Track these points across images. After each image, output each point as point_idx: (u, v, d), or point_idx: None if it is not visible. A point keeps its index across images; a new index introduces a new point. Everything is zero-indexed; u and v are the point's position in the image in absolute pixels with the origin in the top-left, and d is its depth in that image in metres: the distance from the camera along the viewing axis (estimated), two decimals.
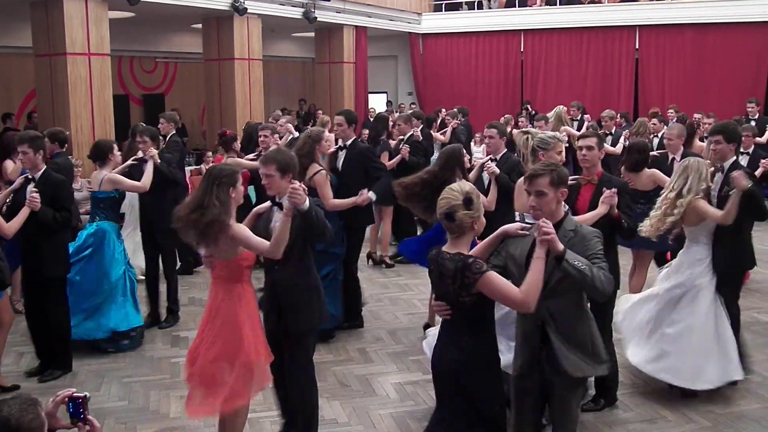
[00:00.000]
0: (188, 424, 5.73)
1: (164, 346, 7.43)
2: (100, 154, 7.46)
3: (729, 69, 18.90)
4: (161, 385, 6.47)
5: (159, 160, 7.73)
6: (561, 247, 3.74)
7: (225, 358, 4.65)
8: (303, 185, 4.69)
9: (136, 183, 7.52)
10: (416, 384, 6.41)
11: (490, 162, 7.17)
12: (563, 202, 4.16)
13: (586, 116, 13.69)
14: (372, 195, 7.60)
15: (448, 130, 13.71)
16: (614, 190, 5.37)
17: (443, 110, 15.03)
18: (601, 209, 5.33)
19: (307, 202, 4.70)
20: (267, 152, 5.25)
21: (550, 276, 3.87)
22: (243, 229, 4.69)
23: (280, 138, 9.21)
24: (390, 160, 10.10)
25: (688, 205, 5.86)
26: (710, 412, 5.76)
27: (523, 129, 5.87)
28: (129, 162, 7.96)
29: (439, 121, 14.75)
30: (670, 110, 14.43)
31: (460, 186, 3.86)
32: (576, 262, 3.77)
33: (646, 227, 6.06)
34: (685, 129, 9.01)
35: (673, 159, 8.27)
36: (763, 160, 8.09)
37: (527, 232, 4.03)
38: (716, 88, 18.89)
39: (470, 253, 3.83)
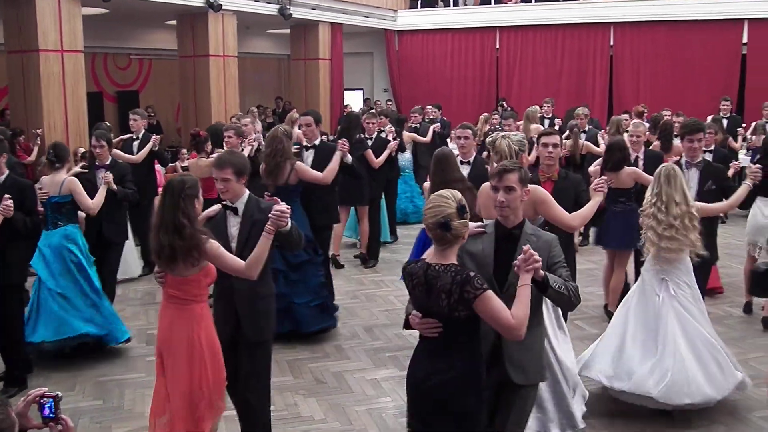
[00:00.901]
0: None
1: (138, 345, 7.39)
2: (60, 156, 7.30)
3: (702, 66, 19.06)
4: (136, 384, 6.43)
5: (114, 186, 7.60)
6: (542, 273, 3.67)
7: (194, 389, 4.43)
8: (288, 207, 4.50)
9: (88, 202, 7.26)
10: (393, 380, 6.42)
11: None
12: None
13: (557, 120, 13.67)
14: (348, 157, 7.86)
15: (430, 132, 13.65)
16: (604, 178, 5.49)
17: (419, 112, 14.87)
18: (597, 198, 5.39)
19: (290, 223, 4.57)
20: (220, 155, 5.15)
21: (510, 286, 3.80)
22: (218, 247, 4.45)
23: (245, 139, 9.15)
24: (375, 157, 10.10)
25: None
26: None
27: (502, 133, 5.79)
28: (77, 169, 7.95)
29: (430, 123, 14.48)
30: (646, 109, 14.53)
31: (452, 193, 3.68)
32: (556, 285, 3.76)
33: (669, 247, 5.69)
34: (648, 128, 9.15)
35: (637, 157, 8.32)
36: (734, 161, 8.21)
37: (485, 230, 4.02)
38: (690, 86, 19.04)
39: (426, 254, 3.74)
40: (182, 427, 4.40)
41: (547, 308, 4.96)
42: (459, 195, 3.68)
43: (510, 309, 3.52)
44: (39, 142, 11.36)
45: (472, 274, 3.51)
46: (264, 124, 16.68)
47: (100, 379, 6.56)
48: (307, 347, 7.16)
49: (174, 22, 16.74)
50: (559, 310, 5.23)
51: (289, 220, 4.54)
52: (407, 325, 3.84)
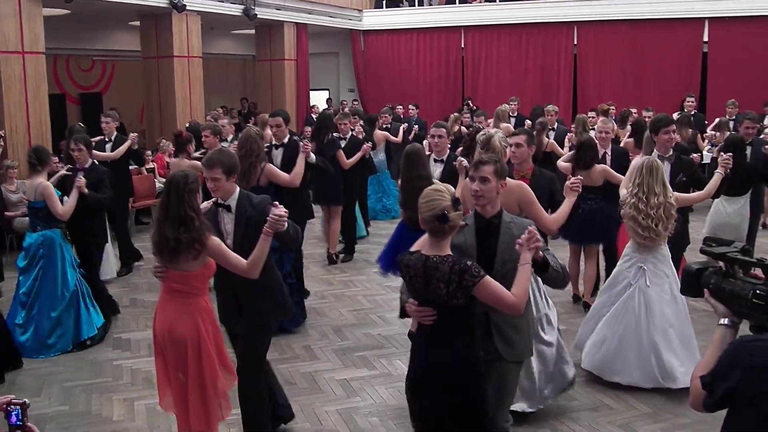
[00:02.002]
0: (132, 426, 5.66)
1: (106, 349, 7.32)
2: (42, 160, 7.28)
3: (664, 65, 19.28)
4: (103, 389, 6.37)
5: (86, 191, 7.53)
6: (542, 255, 3.89)
7: (198, 380, 4.52)
8: (286, 210, 4.48)
9: (59, 208, 7.25)
10: (362, 380, 6.43)
11: (461, 156, 7.24)
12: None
13: (527, 122, 13.77)
14: (312, 157, 7.97)
15: (400, 132, 13.67)
16: (579, 177, 5.64)
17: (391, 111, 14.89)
18: (572, 197, 5.50)
19: (287, 224, 4.54)
20: (209, 154, 5.15)
21: (503, 264, 4.00)
22: (220, 244, 4.51)
23: (221, 140, 9.14)
24: (347, 157, 10.09)
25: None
26: (651, 399, 5.89)
27: (492, 130, 6.03)
28: (61, 173, 7.89)
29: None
30: (612, 107, 14.70)
31: (446, 186, 3.87)
32: (555, 265, 4.02)
33: (646, 236, 6.03)
34: (615, 125, 9.27)
35: (605, 153, 8.44)
36: (694, 155, 8.38)
37: (466, 223, 4.09)
38: (653, 83, 19.24)
39: (414, 246, 3.89)
40: (198, 421, 4.55)
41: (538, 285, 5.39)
42: (452, 188, 3.88)
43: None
44: (2, 143, 11.19)
45: (469, 263, 3.67)
46: (229, 124, 16.60)
47: (66, 384, 6.48)
48: (276, 348, 7.12)
49: (137, 23, 16.58)
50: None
51: (287, 222, 4.54)
52: (403, 314, 4.07)
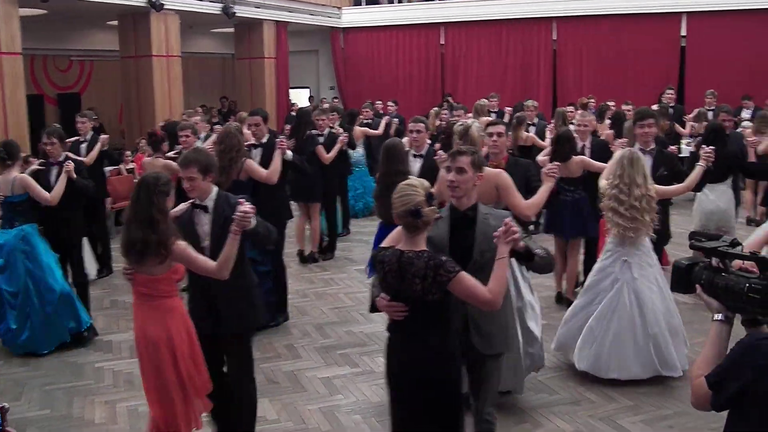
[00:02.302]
0: (114, 429, 5.64)
1: (87, 351, 7.27)
2: (12, 154, 7.24)
3: (643, 59, 19.38)
4: (85, 391, 6.33)
5: (75, 175, 7.51)
6: (523, 244, 3.88)
7: (178, 382, 4.48)
8: (253, 207, 4.46)
9: (45, 194, 7.26)
10: (345, 378, 6.43)
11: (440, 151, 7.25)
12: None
13: (507, 109, 13.84)
14: (288, 154, 7.87)
15: (382, 125, 13.63)
16: (556, 163, 5.68)
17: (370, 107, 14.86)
18: (549, 184, 5.52)
19: (254, 221, 4.53)
20: (185, 153, 5.10)
21: (482, 254, 3.98)
22: (186, 248, 4.44)
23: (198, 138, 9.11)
24: (326, 153, 10.08)
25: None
26: (632, 392, 5.92)
27: (470, 121, 6.05)
28: (34, 167, 7.82)
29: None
30: (592, 100, 14.78)
31: (420, 181, 3.83)
32: (539, 251, 4.02)
33: (626, 229, 6.04)
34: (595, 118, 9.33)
35: (584, 146, 8.49)
36: (672, 147, 8.48)
37: (440, 215, 4.07)
38: (632, 78, 19.34)
39: (386, 241, 3.90)
40: (184, 423, 4.53)
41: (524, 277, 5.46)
42: (426, 182, 3.84)
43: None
44: None
45: (444, 258, 3.66)
46: (209, 124, 16.53)
47: (47, 387, 6.44)
48: (258, 347, 7.08)
49: (115, 23, 16.49)
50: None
51: (254, 218, 4.52)
52: (374, 308, 3.99)
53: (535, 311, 5.67)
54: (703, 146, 6.91)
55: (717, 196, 8.41)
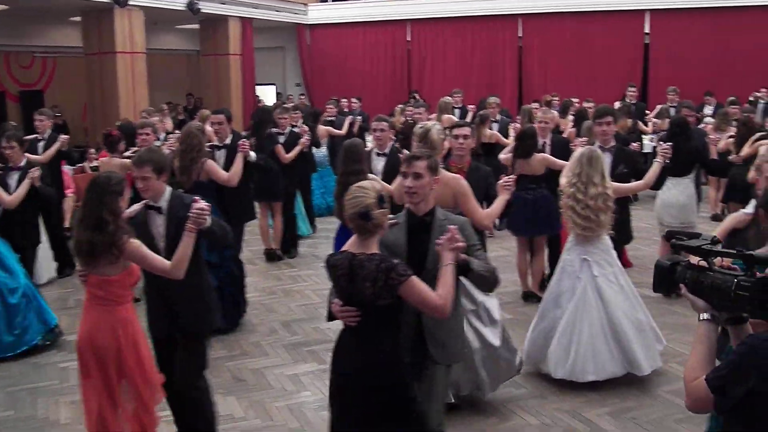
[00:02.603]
0: (80, 429, 5.55)
1: (50, 351, 7.18)
2: None
3: (608, 56, 19.59)
4: (50, 392, 6.26)
5: (39, 183, 7.43)
6: (464, 257, 3.79)
7: (133, 389, 4.40)
8: (208, 204, 4.43)
9: (5, 197, 7.16)
10: (312, 374, 6.43)
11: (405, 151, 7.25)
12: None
13: (470, 107, 13.89)
14: (252, 155, 7.81)
15: (345, 124, 13.59)
16: (513, 176, 5.63)
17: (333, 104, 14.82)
18: (504, 196, 5.49)
19: (209, 219, 4.48)
20: (139, 152, 5.05)
21: (435, 262, 3.86)
22: (140, 247, 4.35)
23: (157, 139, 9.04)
24: (286, 152, 10.03)
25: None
26: (597, 385, 5.94)
27: (430, 123, 5.97)
28: None
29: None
30: (556, 98, 14.90)
31: (371, 183, 3.75)
32: (478, 268, 3.90)
33: (584, 228, 5.98)
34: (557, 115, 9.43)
35: (545, 143, 8.54)
36: (633, 143, 8.61)
37: (397, 221, 4.06)
38: (596, 74, 19.53)
39: (346, 245, 3.79)
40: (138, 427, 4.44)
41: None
42: (378, 185, 3.76)
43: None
44: None
45: (395, 261, 3.59)
46: (175, 121, 16.42)
47: (10, 388, 6.35)
48: (224, 345, 7.09)
49: (78, 19, 16.32)
50: None
51: (209, 217, 4.47)
52: (331, 317, 3.90)
53: (492, 315, 5.48)
54: (661, 142, 6.92)
55: (679, 191, 8.46)
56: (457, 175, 5.39)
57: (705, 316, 2.63)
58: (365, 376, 3.68)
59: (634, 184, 6.89)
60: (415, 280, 3.58)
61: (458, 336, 4.33)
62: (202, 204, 4.37)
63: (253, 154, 7.88)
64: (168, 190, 4.79)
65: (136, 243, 4.34)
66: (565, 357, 5.96)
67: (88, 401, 4.44)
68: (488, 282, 4.10)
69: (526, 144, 7.92)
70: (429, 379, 4.19)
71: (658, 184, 7.55)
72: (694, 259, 2.72)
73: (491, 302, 5.52)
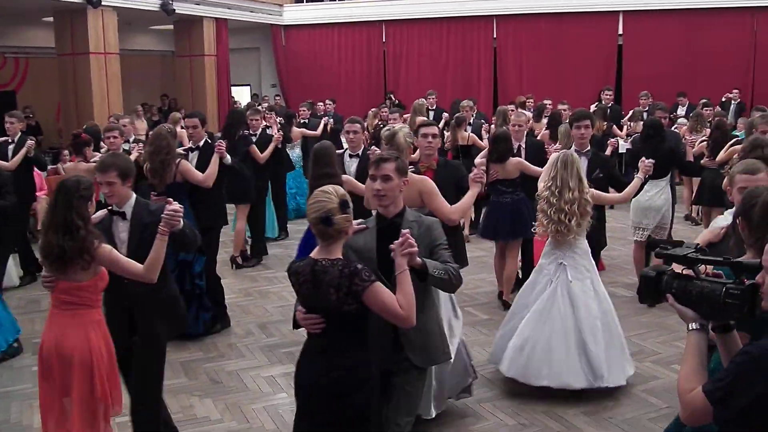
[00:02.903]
0: None
1: (24, 355, 7.11)
2: None
3: (582, 57, 19.69)
4: (23, 396, 6.19)
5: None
6: (420, 261, 3.70)
7: (86, 401, 4.27)
8: (181, 206, 4.39)
9: None
10: (288, 376, 6.35)
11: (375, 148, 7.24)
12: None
13: (444, 114, 13.89)
14: (228, 158, 7.78)
15: (320, 127, 13.57)
16: (482, 169, 5.63)
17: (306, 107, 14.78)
18: (475, 189, 5.48)
19: (182, 222, 4.43)
20: (103, 157, 5.00)
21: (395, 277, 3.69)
22: (111, 251, 4.28)
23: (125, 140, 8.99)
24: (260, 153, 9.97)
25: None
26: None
27: (397, 126, 5.95)
28: None
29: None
30: (530, 99, 14.97)
31: (334, 188, 3.65)
32: (436, 272, 3.80)
33: (561, 230, 5.88)
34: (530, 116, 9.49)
35: (519, 146, 8.54)
36: (611, 140, 8.68)
37: (366, 226, 4.04)
38: (571, 76, 19.63)
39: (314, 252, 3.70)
40: None
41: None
42: (341, 190, 3.67)
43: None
44: None
45: (359, 266, 3.51)
46: (149, 122, 16.34)
47: None
48: (200, 348, 7.07)
49: (51, 19, 16.17)
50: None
51: (182, 219, 4.44)
52: (296, 325, 3.82)
53: (452, 330, 5.33)
54: (643, 159, 6.79)
55: (655, 193, 8.40)
56: (422, 176, 5.38)
57: (694, 325, 2.61)
58: (328, 383, 3.59)
59: (613, 195, 6.79)
60: (379, 287, 3.50)
61: (438, 335, 4.27)
62: (176, 206, 4.33)
63: (228, 157, 7.83)
64: (133, 196, 4.74)
65: (107, 248, 4.27)
66: (519, 356, 5.85)
67: (45, 405, 4.36)
68: (449, 285, 4.00)
69: (501, 148, 7.83)
70: (402, 385, 4.12)
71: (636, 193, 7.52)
72: (678, 268, 2.70)
73: (456, 322, 5.44)
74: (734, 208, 3.64)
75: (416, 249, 3.61)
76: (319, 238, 3.62)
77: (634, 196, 7.40)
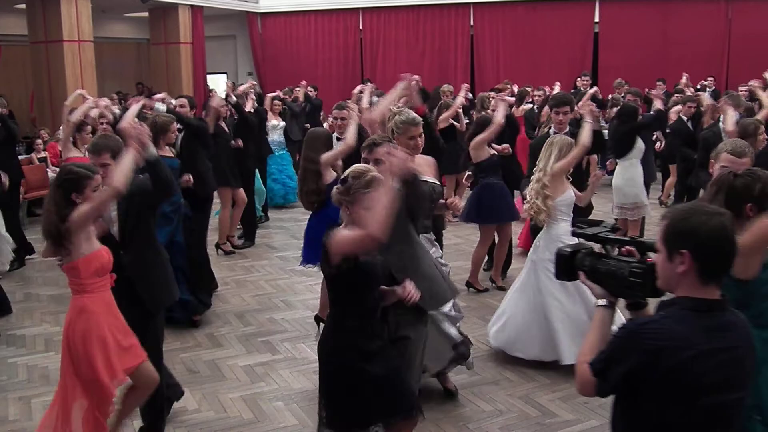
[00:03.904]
0: (29, 426, 5.48)
1: None
2: None
3: (558, 44, 19.76)
4: None
5: None
6: (409, 171, 3.86)
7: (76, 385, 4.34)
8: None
9: None
10: (266, 365, 6.41)
11: None
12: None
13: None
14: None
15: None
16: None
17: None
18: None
19: (154, 150, 4.59)
20: (95, 140, 5.05)
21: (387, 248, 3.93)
22: (80, 208, 4.25)
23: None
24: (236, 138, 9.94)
25: (552, 176, 6.10)
26: (549, 370, 6.05)
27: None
28: None
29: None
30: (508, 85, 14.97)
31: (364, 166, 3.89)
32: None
33: (525, 209, 6.26)
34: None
35: None
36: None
37: None
38: (547, 63, 19.67)
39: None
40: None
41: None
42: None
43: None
44: None
45: (332, 231, 3.71)
46: (124, 111, 16.14)
47: None
48: (178, 337, 7.03)
49: (23, 6, 15.96)
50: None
51: (153, 148, 4.63)
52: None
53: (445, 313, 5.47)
54: (589, 102, 7.04)
55: (620, 171, 8.79)
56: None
57: (602, 302, 2.74)
58: (333, 356, 3.80)
59: (571, 154, 6.89)
60: (335, 232, 3.65)
61: (432, 278, 4.46)
62: (142, 129, 4.53)
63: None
64: None
65: (78, 209, 4.27)
66: (503, 328, 6.31)
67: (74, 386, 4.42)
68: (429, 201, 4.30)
69: (479, 132, 8.01)
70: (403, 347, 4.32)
71: (595, 150, 7.57)
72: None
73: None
74: (713, 180, 3.71)
75: (405, 159, 3.66)
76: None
77: (594, 152, 7.90)
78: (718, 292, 2.50)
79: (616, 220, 8.55)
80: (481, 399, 5.69)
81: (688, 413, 2.44)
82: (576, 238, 3.01)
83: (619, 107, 9.68)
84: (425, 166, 5.08)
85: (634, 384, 2.48)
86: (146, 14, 19.71)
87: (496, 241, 8.36)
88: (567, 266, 2.86)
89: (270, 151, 12.08)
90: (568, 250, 2.88)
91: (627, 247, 2.76)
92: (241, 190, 9.88)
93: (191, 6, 19.54)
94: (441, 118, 10.78)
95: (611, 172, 9.19)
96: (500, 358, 6.35)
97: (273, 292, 8.39)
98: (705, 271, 2.44)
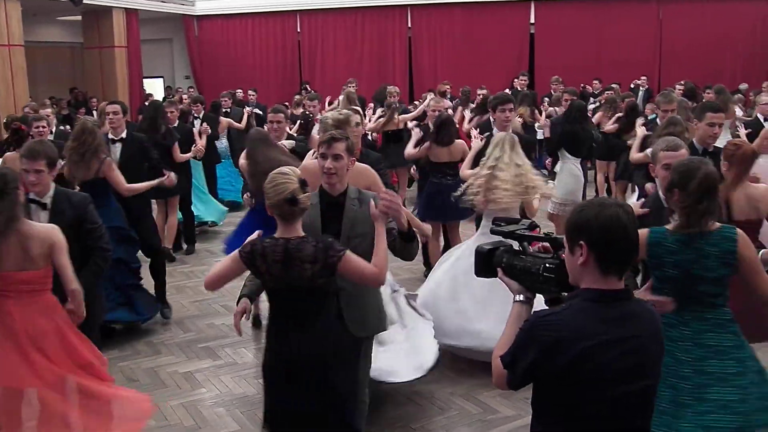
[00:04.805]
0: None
1: None
2: None
3: (496, 46, 20.03)
4: None
5: None
6: (404, 222, 3.91)
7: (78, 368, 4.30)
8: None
9: None
10: (207, 371, 6.35)
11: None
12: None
13: (370, 104, 13.93)
14: (174, 176, 7.57)
15: (244, 119, 13.41)
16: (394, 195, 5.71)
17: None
18: (380, 227, 5.54)
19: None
20: (30, 145, 4.89)
21: (348, 240, 3.99)
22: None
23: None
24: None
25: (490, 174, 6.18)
26: (489, 366, 6.03)
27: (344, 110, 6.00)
28: None
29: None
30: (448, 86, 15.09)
31: (291, 169, 3.78)
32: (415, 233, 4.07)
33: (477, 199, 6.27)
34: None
35: None
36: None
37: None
38: (485, 64, 19.89)
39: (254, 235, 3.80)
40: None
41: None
42: (297, 169, 3.81)
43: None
44: None
45: (330, 239, 3.68)
46: (59, 117, 15.86)
47: None
48: (116, 345, 6.91)
49: None
50: None
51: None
52: (256, 321, 3.98)
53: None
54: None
55: (561, 166, 8.99)
56: (367, 166, 5.41)
57: (519, 297, 2.79)
58: (312, 360, 3.67)
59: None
60: (351, 255, 3.65)
61: (375, 308, 4.46)
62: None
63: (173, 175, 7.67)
64: (53, 186, 4.69)
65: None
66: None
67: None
68: (416, 249, 4.23)
69: (449, 131, 8.06)
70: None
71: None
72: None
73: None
74: (667, 182, 3.81)
75: (400, 207, 3.81)
76: (282, 219, 3.68)
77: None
78: (621, 283, 2.54)
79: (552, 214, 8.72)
80: (422, 397, 5.71)
81: (595, 403, 2.49)
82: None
83: (570, 105, 9.72)
84: (361, 177, 5.05)
85: (537, 375, 2.56)
86: (79, 18, 19.37)
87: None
88: (486, 263, 2.91)
89: (218, 159, 12.02)
90: (487, 247, 2.92)
91: (542, 243, 2.80)
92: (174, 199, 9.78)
93: (126, 9, 19.26)
94: (401, 118, 10.93)
95: (552, 171, 9.32)
96: (440, 355, 6.36)
97: (213, 297, 8.28)
98: (603, 261, 2.49)
